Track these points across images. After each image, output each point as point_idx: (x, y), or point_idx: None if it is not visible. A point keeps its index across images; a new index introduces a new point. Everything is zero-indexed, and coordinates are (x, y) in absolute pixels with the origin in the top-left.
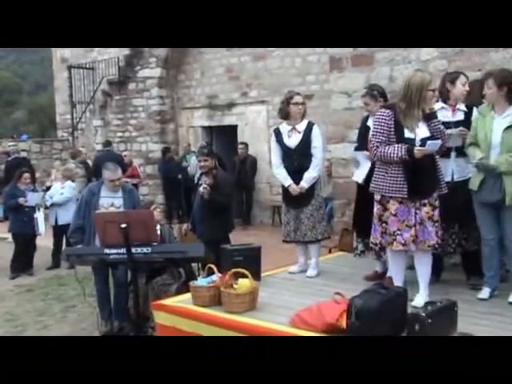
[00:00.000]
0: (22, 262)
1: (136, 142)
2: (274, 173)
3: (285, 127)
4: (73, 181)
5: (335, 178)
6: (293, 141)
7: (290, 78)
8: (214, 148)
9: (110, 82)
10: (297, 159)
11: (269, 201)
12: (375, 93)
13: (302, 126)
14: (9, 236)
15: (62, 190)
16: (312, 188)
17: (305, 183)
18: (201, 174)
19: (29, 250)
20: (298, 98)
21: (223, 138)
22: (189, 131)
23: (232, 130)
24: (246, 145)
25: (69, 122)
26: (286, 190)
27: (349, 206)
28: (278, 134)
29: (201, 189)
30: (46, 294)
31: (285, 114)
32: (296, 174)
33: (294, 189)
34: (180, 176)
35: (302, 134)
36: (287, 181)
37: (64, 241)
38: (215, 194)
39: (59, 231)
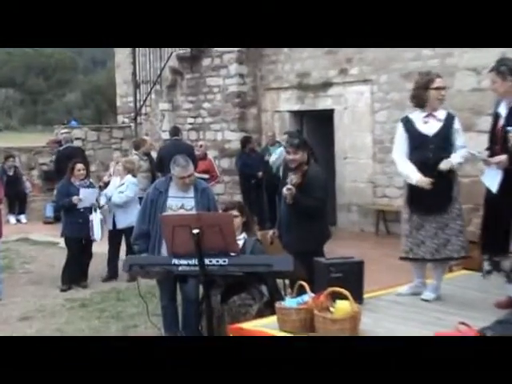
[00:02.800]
0: (76, 272)
1: (210, 130)
2: (398, 169)
3: (417, 115)
4: (134, 175)
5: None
6: (430, 128)
7: (400, 51)
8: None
9: (180, 58)
10: (433, 150)
11: (371, 204)
12: (503, 69)
13: (441, 114)
14: (61, 241)
15: (121, 187)
16: (450, 189)
17: (443, 166)
18: (285, 170)
19: (83, 257)
20: (439, 82)
21: (316, 125)
22: (274, 117)
23: (327, 115)
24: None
25: (131, 105)
26: (411, 190)
27: (476, 213)
28: (406, 121)
29: (284, 190)
30: (102, 310)
31: (421, 101)
32: (429, 168)
33: (424, 181)
34: (261, 173)
35: (442, 123)
36: (414, 175)
37: (124, 247)
38: (302, 197)
39: (116, 235)
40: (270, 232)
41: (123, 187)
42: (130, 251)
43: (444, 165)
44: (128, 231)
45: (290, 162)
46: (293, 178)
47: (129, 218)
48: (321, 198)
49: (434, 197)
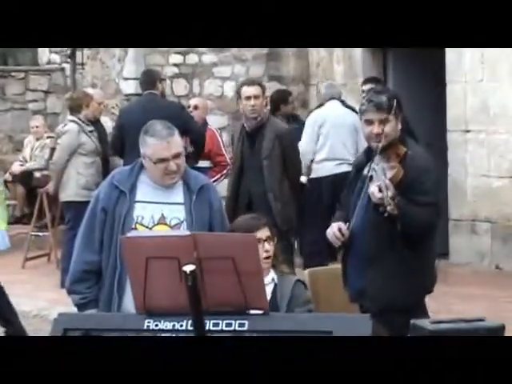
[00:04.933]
0: None
1: (212, 78)
2: None
3: None
4: None
5: None
6: None
7: None
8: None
9: None
10: None
11: None
12: None
13: None
14: None
15: None
16: None
17: None
18: (369, 155)
19: None
20: None
21: (412, 69)
22: (334, 52)
23: (432, 51)
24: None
25: None
26: None
27: None
28: None
29: (374, 190)
30: None
31: None
32: None
33: None
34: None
35: None
36: None
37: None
38: (405, 203)
39: None
40: (339, 225)
41: None
42: None
43: None
44: None
45: (374, 138)
46: (386, 168)
47: None
48: (436, 207)
49: None
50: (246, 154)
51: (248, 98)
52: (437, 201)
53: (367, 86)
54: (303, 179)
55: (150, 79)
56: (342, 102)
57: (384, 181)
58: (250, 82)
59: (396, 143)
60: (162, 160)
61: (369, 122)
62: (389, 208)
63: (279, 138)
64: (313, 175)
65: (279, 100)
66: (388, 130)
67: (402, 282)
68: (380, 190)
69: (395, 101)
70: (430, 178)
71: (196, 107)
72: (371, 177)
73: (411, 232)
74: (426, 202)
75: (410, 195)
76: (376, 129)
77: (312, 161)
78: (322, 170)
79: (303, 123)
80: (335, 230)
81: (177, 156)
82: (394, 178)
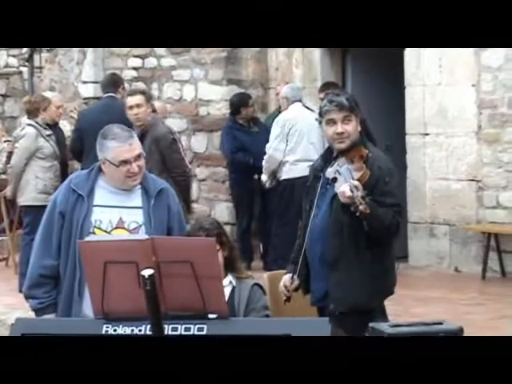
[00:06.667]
0: None
1: (171, 81)
2: None
3: None
4: None
5: None
6: None
7: None
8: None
9: None
10: None
11: (474, 222)
12: None
13: None
14: None
15: None
16: None
17: None
18: (327, 159)
19: None
20: None
21: (371, 72)
22: (292, 56)
23: (393, 54)
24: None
25: None
26: None
27: None
28: None
29: (345, 189)
30: None
31: None
32: None
33: None
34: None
35: None
36: None
37: None
38: (372, 204)
39: None
40: (286, 278)
41: None
42: None
43: None
44: None
45: (337, 138)
46: (352, 169)
47: None
48: (400, 208)
49: None
50: None
51: (131, 107)
52: (400, 201)
53: (325, 92)
54: (264, 179)
55: (113, 82)
56: (303, 103)
57: (352, 181)
58: (132, 92)
59: (358, 145)
60: (125, 162)
61: (331, 122)
62: (361, 207)
63: (156, 143)
64: (285, 176)
65: (240, 103)
66: (350, 130)
67: (366, 284)
68: (351, 191)
69: (354, 102)
70: (393, 180)
71: (154, 111)
72: (335, 179)
73: (378, 233)
74: (391, 203)
75: (375, 196)
76: (339, 128)
77: (280, 162)
78: (296, 171)
79: (264, 126)
80: (281, 285)
81: (138, 157)
82: (362, 178)
